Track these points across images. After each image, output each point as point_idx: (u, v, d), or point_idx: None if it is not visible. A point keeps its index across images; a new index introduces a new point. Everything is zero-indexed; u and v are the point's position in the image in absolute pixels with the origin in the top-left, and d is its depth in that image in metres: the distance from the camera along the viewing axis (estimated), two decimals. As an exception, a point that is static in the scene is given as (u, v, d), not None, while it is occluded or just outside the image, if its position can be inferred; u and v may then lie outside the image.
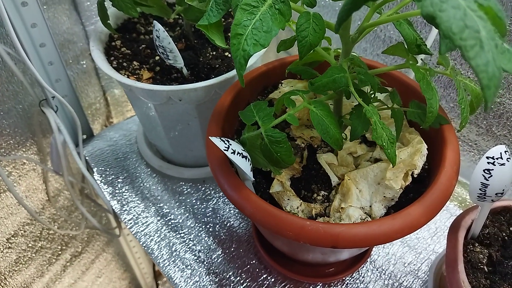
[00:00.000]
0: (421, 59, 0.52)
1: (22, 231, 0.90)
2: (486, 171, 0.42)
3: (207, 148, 0.48)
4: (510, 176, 0.42)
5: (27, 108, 0.81)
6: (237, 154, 0.42)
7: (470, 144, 0.69)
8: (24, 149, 0.84)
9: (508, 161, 0.41)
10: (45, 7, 0.76)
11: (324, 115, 0.42)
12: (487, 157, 0.41)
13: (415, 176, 0.46)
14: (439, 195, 0.42)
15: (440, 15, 0.22)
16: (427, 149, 0.48)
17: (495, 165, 0.41)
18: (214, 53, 0.69)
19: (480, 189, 0.43)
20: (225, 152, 0.41)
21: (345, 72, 0.41)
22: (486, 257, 0.50)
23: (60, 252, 1.02)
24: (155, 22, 0.55)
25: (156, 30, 0.56)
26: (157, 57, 0.68)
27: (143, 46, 0.69)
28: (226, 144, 0.42)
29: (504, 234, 0.52)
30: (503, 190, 0.43)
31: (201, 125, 0.69)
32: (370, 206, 0.46)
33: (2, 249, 0.84)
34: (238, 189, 0.44)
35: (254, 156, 0.46)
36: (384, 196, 0.46)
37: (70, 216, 1.02)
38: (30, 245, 0.93)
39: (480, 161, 0.42)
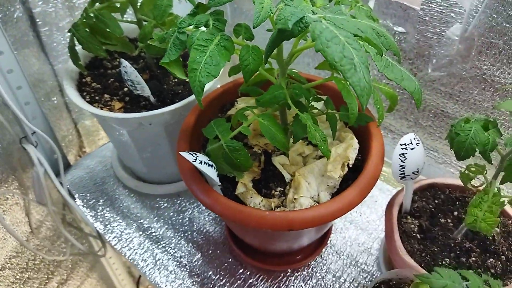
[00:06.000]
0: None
1: (9, 264, 0.95)
2: (401, 155, 0.53)
3: (179, 162, 0.56)
4: (421, 157, 0.53)
5: (6, 146, 0.87)
6: (204, 164, 0.51)
7: (402, 135, 0.81)
8: (6, 185, 0.89)
9: (418, 145, 0.53)
10: (16, 52, 0.84)
11: (271, 125, 0.52)
12: (401, 144, 0.53)
13: (351, 166, 0.57)
14: (368, 179, 0.53)
15: (326, 50, 0.32)
16: (358, 143, 0.59)
17: (407, 150, 0.52)
18: (176, 80, 0.78)
19: (399, 170, 0.54)
20: (193, 163, 0.50)
21: (283, 89, 0.51)
22: (417, 227, 0.61)
23: (47, 281, 1.06)
24: (122, 60, 0.64)
25: (124, 66, 0.65)
26: (125, 89, 0.76)
27: (111, 79, 0.78)
28: (193, 156, 0.51)
29: (430, 206, 0.63)
30: (418, 169, 0.54)
31: (171, 144, 0.77)
32: (318, 195, 0.56)
33: (-9, 283, 0.89)
34: (208, 193, 0.53)
35: (219, 165, 0.55)
36: (328, 185, 0.56)
37: (53, 246, 1.07)
38: (17, 277, 0.97)
39: (396, 147, 0.53)
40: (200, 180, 0.55)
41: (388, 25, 0.74)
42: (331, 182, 0.56)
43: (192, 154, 0.51)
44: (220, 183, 0.55)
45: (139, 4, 0.72)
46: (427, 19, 0.68)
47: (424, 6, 0.67)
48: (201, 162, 0.51)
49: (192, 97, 0.71)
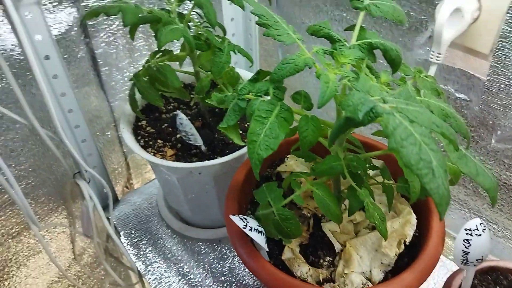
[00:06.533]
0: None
1: (51, 289, 0.97)
2: (465, 241, 0.49)
3: (227, 223, 0.55)
4: (487, 245, 0.49)
5: (59, 178, 0.90)
6: (253, 230, 0.50)
7: (460, 203, 0.76)
8: (56, 214, 0.93)
9: (484, 232, 0.49)
10: (76, 90, 0.87)
11: (325, 195, 0.50)
12: (465, 229, 0.49)
13: (407, 243, 0.53)
14: (428, 262, 0.49)
15: (402, 150, 0.30)
16: (416, 218, 0.55)
17: (472, 236, 0.49)
18: (228, 129, 0.78)
19: (462, 256, 0.50)
20: (243, 229, 0.49)
21: (340, 160, 0.50)
22: (476, 314, 0.56)
23: (85, 308, 1.08)
24: (178, 112, 0.65)
25: (180, 118, 0.65)
26: (178, 135, 0.77)
27: (165, 125, 0.79)
28: (244, 222, 0.50)
29: (491, 291, 0.58)
30: (482, 256, 0.50)
31: (217, 193, 0.77)
32: (370, 271, 0.53)
33: (33, 307, 0.91)
34: (255, 259, 0.52)
35: (267, 228, 0.54)
36: (382, 262, 0.53)
37: (93, 273, 1.09)
38: (58, 302, 0.99)
39: (459, 232, 0.49)
40: (247, 243, 0.54)
41: (449, 91, 0.71)
42: (385, 259, 0.53)
43: (242, 220, 0.50)
44: (267, 249, 0.54)
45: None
46: (493, 90, 0.64)
47: (491, 78, 0.63)
48: (251, 229, 0.49)
49: (243, 150, 0.70)
